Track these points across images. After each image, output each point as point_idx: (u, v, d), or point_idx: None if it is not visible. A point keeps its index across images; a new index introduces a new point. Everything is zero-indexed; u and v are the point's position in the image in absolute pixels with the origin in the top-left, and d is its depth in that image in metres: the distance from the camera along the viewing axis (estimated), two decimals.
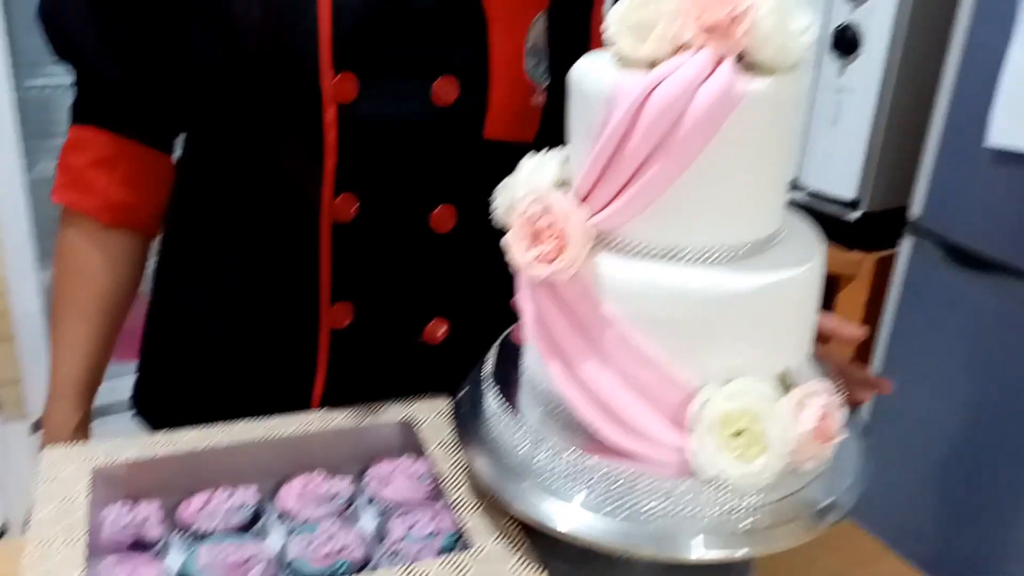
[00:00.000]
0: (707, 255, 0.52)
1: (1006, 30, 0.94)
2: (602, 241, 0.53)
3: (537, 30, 0.71)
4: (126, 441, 0.64)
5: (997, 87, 0.94)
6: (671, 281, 0.50)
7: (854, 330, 0.72)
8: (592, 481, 0.52)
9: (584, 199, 0.52)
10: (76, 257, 0.73)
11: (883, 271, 1.28)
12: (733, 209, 0.52)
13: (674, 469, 0.51)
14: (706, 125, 0.48)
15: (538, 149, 0.59)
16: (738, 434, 0.49)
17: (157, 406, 0.79)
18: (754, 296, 0.51)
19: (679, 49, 0.50)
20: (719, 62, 0.48)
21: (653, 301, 0.51)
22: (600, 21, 0.75)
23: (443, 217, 0.70)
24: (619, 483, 0.51)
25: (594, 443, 0.53)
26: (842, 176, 1.25)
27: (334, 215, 0.67)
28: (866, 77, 1.18)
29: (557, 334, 0.53)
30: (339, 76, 0.64)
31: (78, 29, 0.68)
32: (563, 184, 0.55)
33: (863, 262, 1.31)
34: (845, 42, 1.17)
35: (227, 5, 0.63)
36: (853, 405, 0.68)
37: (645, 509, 0.51)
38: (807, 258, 0.54)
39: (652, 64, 0.50)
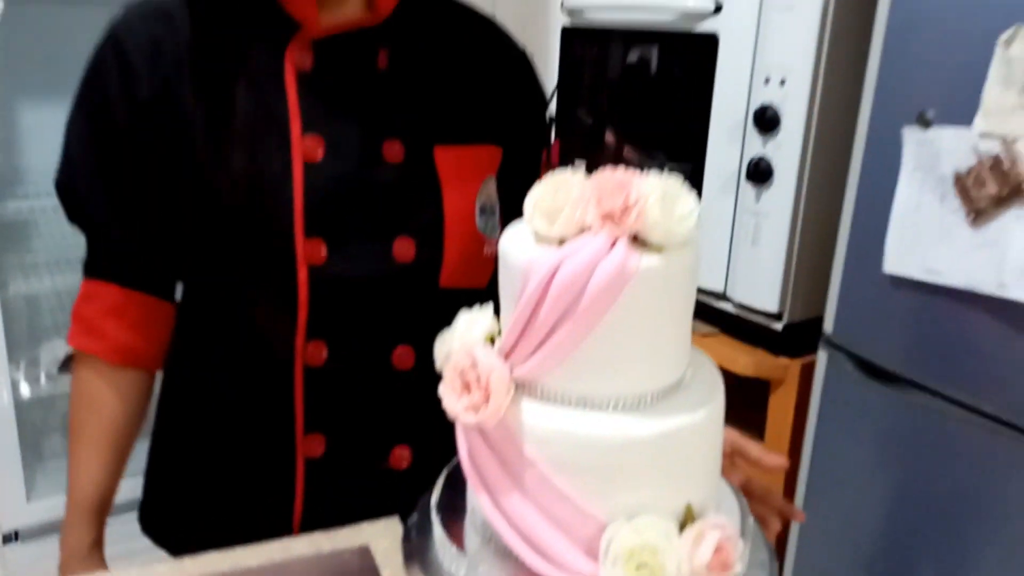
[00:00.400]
0: (615, 403, 0.60)
1: (894, 170, 1.06)
2: (525, 390, 0.61)
3: (487, 190, 0.83)
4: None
5: (888, 220, 1.06)
6: (583, 428, 0.58)
7: (776, 459, 0.79)
8: None
9: (508, 354, 0.60)
10: (89, 393, 0.84)
11: (808, 376, 1.38)
12: (636, 363, 0.60)
13: None
14: (603, 297, 0.56)
15: (491, 293, 0.68)
16: (641, 567, 0.56)
17: (161, 526, 0.88)
18: (656, 440, 0.59)
19: (583, 229, 0.59)
20: (615, 242, 0.58)
21: (567, 445, 0.58)
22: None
23: (403, 357, 0.80)
24: None
25: (524, 571, 0.60)
26: (765, 290, 1.36)
27: (306, 360, 0.77)
28: (780, 203, 1.30)
29: (486, 470, 0.61)
30: (310, 242, 0.73)
31: (90, 199, 0.80)
32: (494, 337, 0.64)
33: (790, 367, 1.41)
34: (759, 172, 1.30)
35: (215, 183, 0.74)
36: (771, 530, 0.76)
37: None
38: (705, 402, 0.62)
39: (562, 241, 0.59)
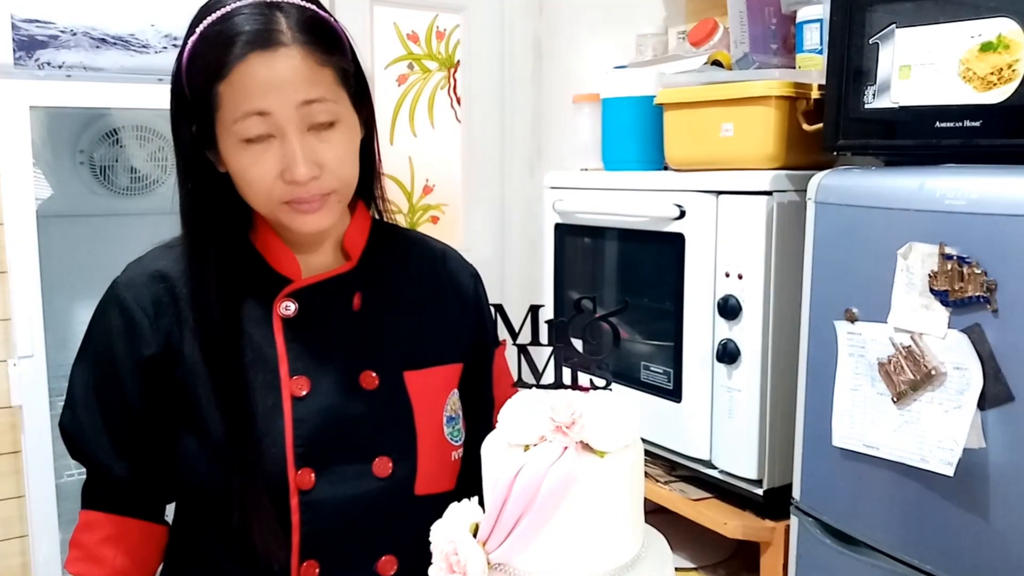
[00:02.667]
0: None
1: (834, 357, 1.23)
2: (499, 570, 0.76)
3: (452, 401, 0.95)
4: None
5: (833, 399, 1.21)
6: None
7: None
8: None
9: (485, 540, 0.76)
10: None
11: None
12: (590, 547, 0.75)
13: None
14: (554, 495, 0.72)
15: (458, 494, 0.82)
16: None
17: None
18: None
19: (542, 438, 0.76)
20: (565, 450, 0.74)
21: None
22: (498, 373, 1.01)
23: (387, 564, 0.89)
24: None
25: None
26: (744, 459, 1.49)
27: None
28: (748, 380, 1.45)
29: None
30: (300, 471, 0.85)
31: (91, 441, 0.89)
32: (478, 526, 0.79)
33: (776, 529, 1.51)
34: (727, 353, 1.46)
35: (212, 424, 0.85)
36: None
37: None
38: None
39: (527, 447, 0.76)
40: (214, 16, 0.82)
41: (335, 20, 0.88)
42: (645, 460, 1.62)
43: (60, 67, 1.83)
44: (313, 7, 0.85)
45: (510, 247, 2.62)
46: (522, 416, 0.77)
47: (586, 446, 0.76)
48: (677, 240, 1.56)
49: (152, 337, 0.87)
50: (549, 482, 0.72)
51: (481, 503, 0.80)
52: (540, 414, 0.76)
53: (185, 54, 0.84)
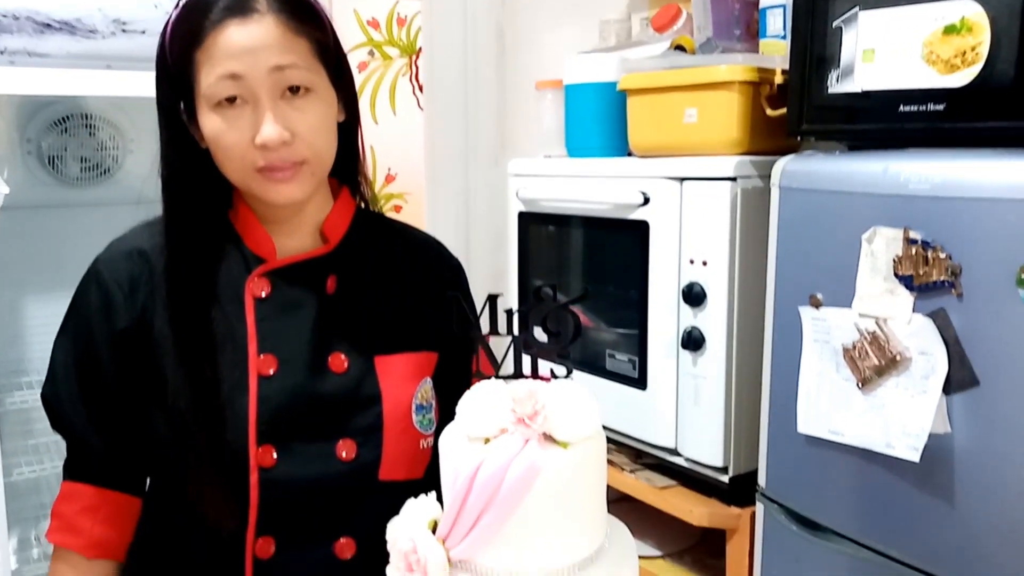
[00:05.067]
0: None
1: (798, 343, 1.22)
2: (461, 566, 0.73)
3: (424, 389, 0.95)
4: None
5: (798, 385, 1.21)
6: None
7: None
8: None
9: (445, 537, 0.73)
10: None
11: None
12: (553, 541, 0.73)
13: None
14: (517, 488, 0.70)
15: (429, 482, 0.80)
16: None
17: None
18: None
19: (503, 430, 0.74)
20: (527, 442, 0.72)
21: None
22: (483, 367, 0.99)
23: (345, 547, 0.89)
24: None
25: None
26: (710, 447, 1.48)
27: (256, 554, 0.86)
28: (714, 367, 1.45)
29: None
30: (261, 448, 0.85)
31: (71, 412, 0.91)
32: (437, 521, 0.76)
33: (741, 516, 1.50)
34: (692, 341, 1.45)
35: (180, 398, 0.85)
36: None
37: None
38: (618, 570, 0.75)
39: (487, 440, 0.73)
40: None
41: None
42: (610, 448, 1.61)
43: (2, 52, 1.76)
44: None
45: (474, 237, 2.58)
46: (482, 408, 0.74)
47: (549, 437, 0.73)
48: (641, 227, 1.55)
49: (126, 311, 0.89)
50: (512, 475, 0.70)
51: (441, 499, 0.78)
52: (501, 406, 0.73)
53: (168, 26, 0.87)
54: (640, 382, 1.60)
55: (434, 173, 2.50)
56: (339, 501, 0.89)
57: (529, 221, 1.86)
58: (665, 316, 1.52)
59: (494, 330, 0.79)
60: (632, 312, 1.60)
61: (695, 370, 1.48)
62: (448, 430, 0.78)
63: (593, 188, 1.65)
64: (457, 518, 0.72)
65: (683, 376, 1.51)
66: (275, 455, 0.86)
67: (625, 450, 1.71)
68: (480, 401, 0.75)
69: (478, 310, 0.79)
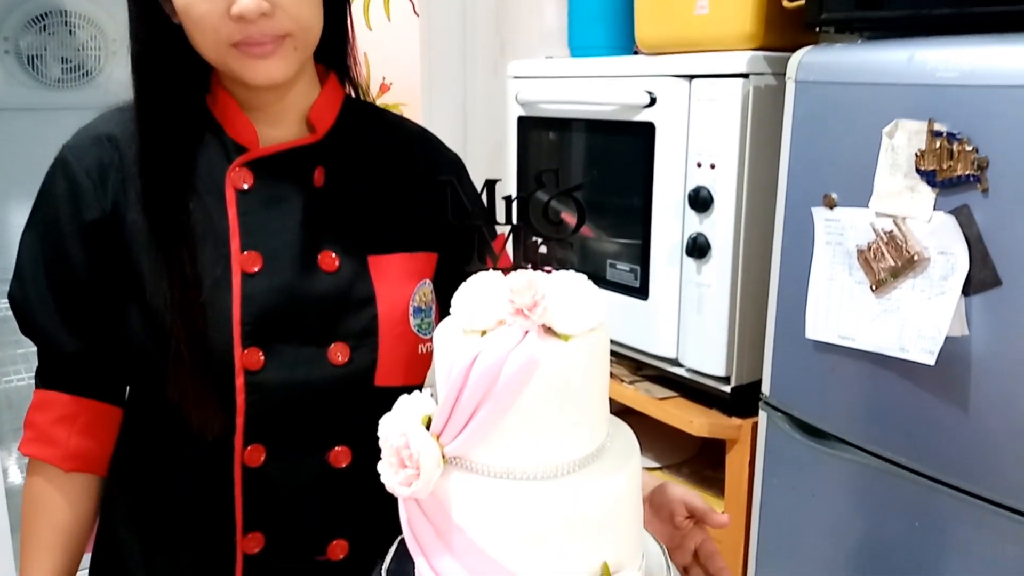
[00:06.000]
0: (535, 474, 0.68)
1: (810, 245, 1.17)
2: (455, 463, 0.70)
3: (422, 292, 0.89)
4: None
5: (807, 291, 1.16)
6: (503, 497, 0.67)
7: (719, 518, 0.84)
8: None
9: (440, 433, 0.69)
10: (41, 499, 0.86)
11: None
12: (551, 438, 0.69)
13: None
14: (515, 382, 0.66)
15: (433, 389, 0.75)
16: None
17: None
18: (568, 507, 0.67)
19: (500, 322, 0.69)
20: (526, 333, 0.67)
21: (490, 512, 0.66)
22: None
23: (340, 455, 0.84)
24: None
25: None
26: (712, 356, 1.45)
27: (245, 462, 0.81)
28: (718, 275, 1.40)
29: (422, 536, 0.69)
30: (247, 350, 0.80)
31: (40, 313, 0.84)
32: (431, 418, 0.73)
33: (742, 427, 1.48)
34: (697, 247, 1.40)
35: (157, 295, 0.79)
36: None
37: None
38: (619, 470, 0.71)
39: (484, 332, 0.69)
40: None
41: None
42: (610, 359, 1.57)
43: None
44: None
45: (472, 148, 2.50)
46: (478, 299, 0.69)
47: (549, 330, 0.69)
48: (647, 130, 1.48)
49: (96, 201, 0.82)
50: (510, 368, 0.66)
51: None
52: (498, 297, 0.69)
53: None
54: (642, 292, 1.55)
55: (431, 82, 2.40)
56: (332, 408, 0.84)
57: (529, 127, 1.78)
58: (669, 223, 1.47)
59: (492, 219, 0.74)
60: (635, 220, 1.55)
61: (699, 278, 1.43)
62: (443, 324, 0.73)
63: (597, 89, 1.57)
64: (452, 413, 0.68)
65: (686, 284, 1.46)
66: (262, 358, 0.80)
67: (625, 361, 1.69)
68: (477, 292, 0.70)
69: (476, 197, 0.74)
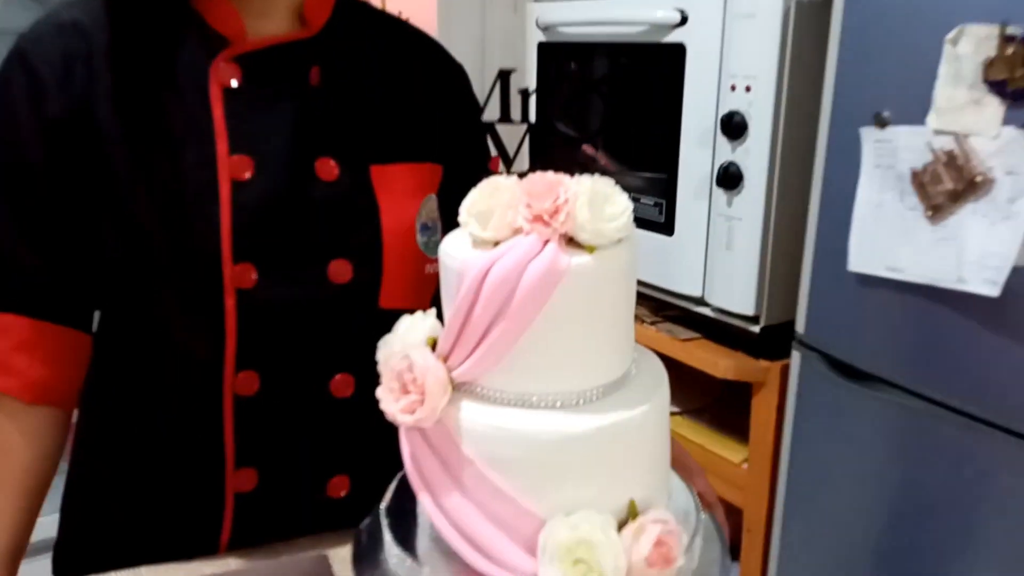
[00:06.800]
0: (553, 401, 0.61)
1: (855, 170, 1.07)
2: (464, 390, 0.62)
3: (428, 208, 0.81)
4: None
5: (851, 220, 1.07)
6: (518, 426, 0.59)
7: None
8: None
9: (447, 356, 0.61)
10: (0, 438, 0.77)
11: (787, 378, 1.38)
12: (572, 361, 0.61)
13: None
14: (534, 297, 0.57)
15: (438, 312, 0.68)
16: (577, 562, 0.57)
17: (77, 569, 0.80)
18: (593, 438, 0.59)
19: (516, 232, 0.60)
20: (546, 243, 0.59)
21: (504, 443, 0.59)
22: None
23: (342, 384, 0.77)
24: None
25: (468, 570, 0.61)
26: (741, 294, 1.37)
27: (236, 391, 0.73)
28: (750, 207, 1.31)
29: (427, 471, 0.62)
30: (238, 266, 0.71)
31: None
32: (436, 340, 0.65)
33: (770, 369, 1.41)
34: (729, 177, 1.31)
35: (134, 205, 0.71)
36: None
37: None
38: (647, 399, 0.63)
39: (496, 243, 0.60)
40: None
41: None
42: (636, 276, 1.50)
43: None
44: None
45: (491, 81, 2.40)
46: (491, 206, 0.61)
47: (571, 241, 0.60)
48: (676, 52, 1.37)
49: (60, 96, 0.72)
50: (528, 280, 0.57)
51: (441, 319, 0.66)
52: (514, 202, 0.60)
53: None
54: (667, 227, 1.47)
55: (447, 19, 2.30)
56: (333, 331, 0.77)
57: (550, 55, 1.67)
58: (699, 152, 1.37)
59: (506, 116, 0.65)
60: (661, 152, 1.45)
61: (729, 211, 1.34)
62: (451, 235, 0.65)
63: (623, 8, 1.46)
64: (461, 333, 0.60)
65: (715, 218, 1.37)
66: (255, 275, 0.72)
67: (646, 302, 1.61)
68: (489, 198, 0.61)
69: (488, 90, 0.65)
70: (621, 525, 0.60)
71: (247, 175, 0.73)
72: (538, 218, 0.59)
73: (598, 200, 0.60)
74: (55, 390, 0.78)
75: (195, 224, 0.71)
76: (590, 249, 0.60)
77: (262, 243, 0.73)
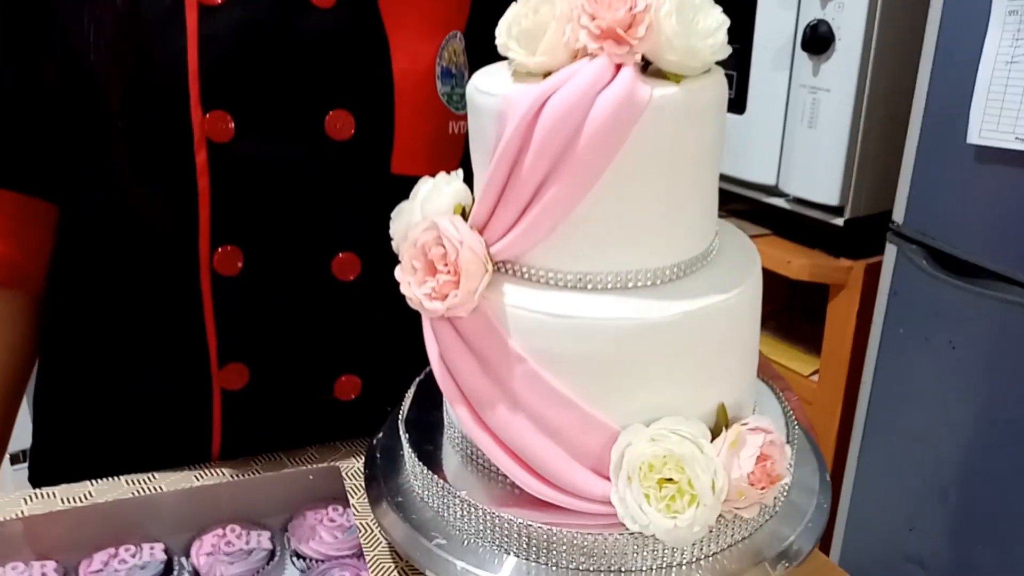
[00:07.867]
0: (623, 281, 0.47)
1: (981, 22, 0.89)
2: (506, 271, 0.48)
3: (452, 49, 0.65)
4: (22, 495, 0.60)
5: (974, 83, 0.89)
6: (583, 312, 0.45)
7: None
8: (509, 537, 0.47)
9: (483, 226, 0.47)
10: None
11: (873, 279, 1.23)
12: (650, 230, 0.47)
13: (602, 520, 0.46)
14: (607, 138, 0.42)
15: (466, 182, 0.53)
16: (665, 483, 0.43)
17: (55, 477, 0.70)
18: (675, 326, 0.46)
19: (575, 57, 0.45)
20: (618, 68, 0.43)
21: (564, 335, 0.45)
22: None
23: (345, 265, 0.63)
24: (537, 538, 0.46)
25: (514, 495, 0.48)
26: (824, 181, 1.20)
27: (215, 269, 0.61)
28: (842, 76, 1.13)
29: (463, 374, 0.48)
30: (209, 114, 0.57)
31: None
32: (465, 208, 0.50)
33: (853, 269, 1.26)
34: (818, 39, 1.13)
35: (82, 36, 0.58)
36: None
37: (570, 566, 0.46)
38: (738, 281, 0.49)
39: (547, 74, 0.45)
40: None
41: None
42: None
43: None
44: None
45: None
46: (540, 22, 0.45)
47: (648, 68, 0.45)
48: None
49: None
50: (597, 117, 0.43)
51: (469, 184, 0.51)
52: (572, 15, 0.44)
53: None
54: (737, 104, 1.29)
55: None
56: (332, 199, 0.63)
57: None
58: (781, 10, 1.19)
59: None
60: (733, 12, 1.26)
61: (815, 80, 1.16)
62: (484, 71, 0.50)
63: None
64: (503, 194, 0.46)
65: (796, 91, 1.20)
66: (231, 125, 0.58)
67: None
68: (537, 12, 0.45)
69: None
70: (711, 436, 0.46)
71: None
72: (608, 33, 0.43)
73: (687, 9, 0.45)
74: (17, 269, 0.65)
75: (155, 59, 0.57)
76: (676, 79, 0.45)
77: (239, 85, 0.58)
